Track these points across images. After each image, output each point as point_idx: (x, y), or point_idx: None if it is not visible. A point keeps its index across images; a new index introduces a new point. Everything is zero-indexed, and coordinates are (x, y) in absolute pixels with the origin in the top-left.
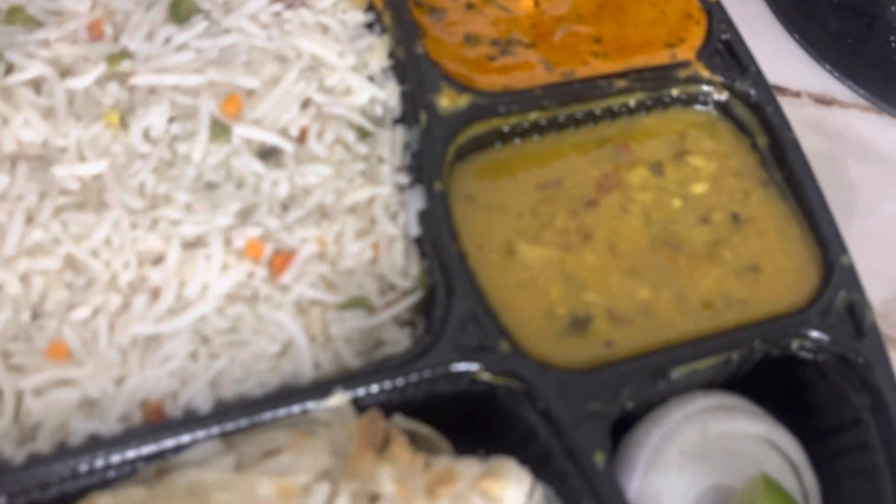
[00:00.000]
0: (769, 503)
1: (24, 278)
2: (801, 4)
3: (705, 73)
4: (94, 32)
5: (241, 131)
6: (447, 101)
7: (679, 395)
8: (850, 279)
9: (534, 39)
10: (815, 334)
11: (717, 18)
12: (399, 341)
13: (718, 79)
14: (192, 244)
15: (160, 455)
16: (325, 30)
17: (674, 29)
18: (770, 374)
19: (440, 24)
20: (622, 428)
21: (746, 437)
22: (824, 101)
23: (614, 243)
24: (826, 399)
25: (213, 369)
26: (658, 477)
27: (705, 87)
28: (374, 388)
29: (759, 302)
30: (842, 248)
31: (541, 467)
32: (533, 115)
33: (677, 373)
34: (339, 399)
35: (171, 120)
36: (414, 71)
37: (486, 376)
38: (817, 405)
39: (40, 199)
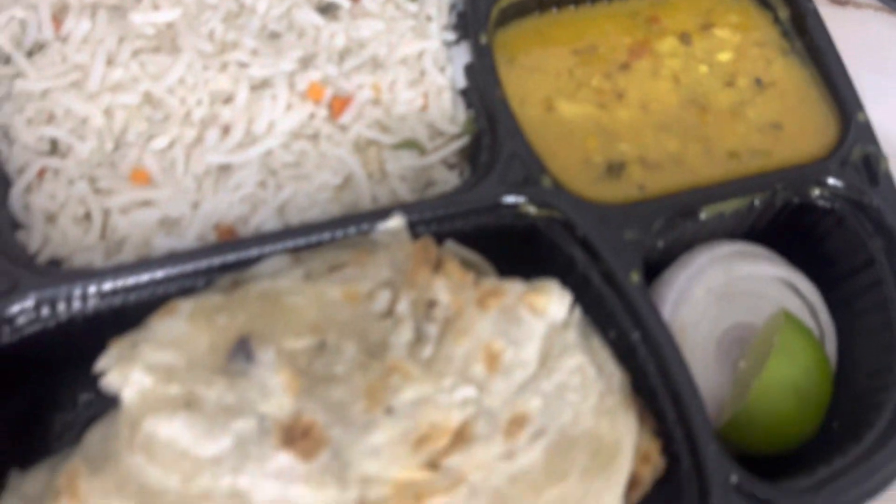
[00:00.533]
0: (789, 336)
1: (108, 112)
2: None
3: None
4: None
5: None
6: None
7: (705, 241)
8: (866, 134)
9: None
10: (832, 181)
11: None
12: (448, 181)
13: None
14: (259, 86)
15: (234, 266)
16: None
17: None
18: (789, 225)
19: None
20: (652, 275)
21: (768, 279)
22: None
23: (646, 102)
24: (841, 245)
25: (280, 197)
26: (685, 312)
27: None
28: (428, 214)
29: (781, 153)
30: (858, 106)
31: (579, 297)
32: None
33: (705, 213)
34: (397, 221)
35: None
36: None
37: (530, 208)
38: (833, 253)
39: (119, 42)
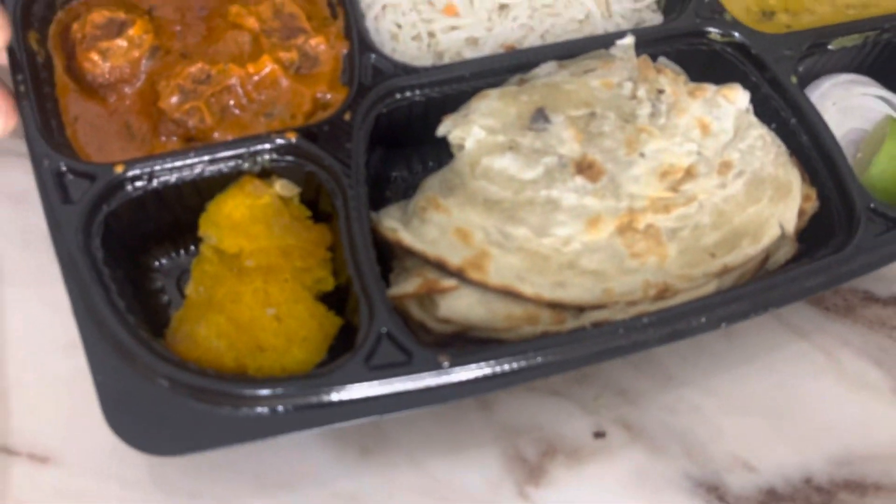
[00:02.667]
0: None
1: None
2: None
3: None
4: None
5: None
6: None
7: (829, 73)
8: None
9: None
10: None
11: None
12: (653, 20)
13: None
14: None
15: (518, 69)
16: None
17: None
18: (890, 61)
19: None
20: None
21: (874, 98)
22: None
23: None
24: None
25: (542, 27)
26: None
27: None
28: (647, 37)
29: (885, 6)
30: None
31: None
32: None
33: (833, 45)
34: (629, 39)
35: None
36: None
37: (717, 36)
38: None
39: None
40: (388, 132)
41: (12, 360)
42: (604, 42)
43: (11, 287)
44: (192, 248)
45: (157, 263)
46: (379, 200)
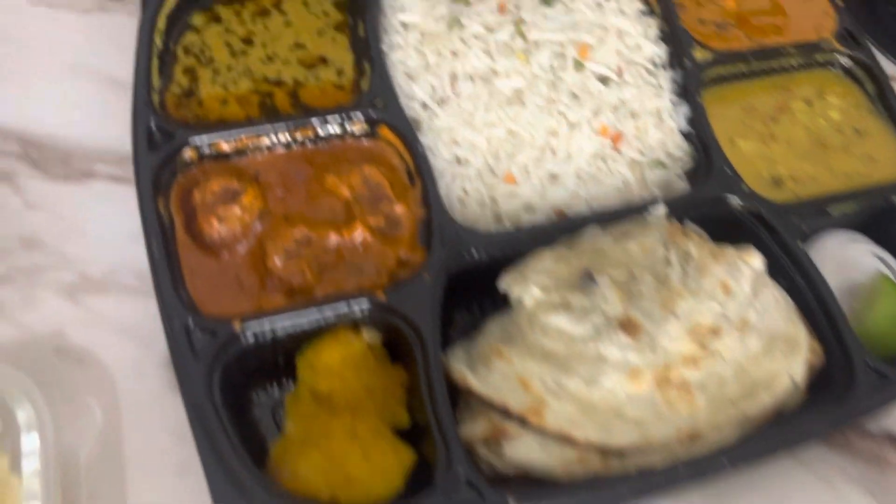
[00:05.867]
0: (888, 286)
1: (488, 140)
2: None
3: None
4: (502, 9)
5: (590, 66)
6: (699, 55)
7: (830, 231)
8: None
9: (737, 22)
10: None
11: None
12: (680, 186)
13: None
14: (573, 125)
15: (568, 231)
16: (622, 12)
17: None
18: (881, 222)
19: (681, 11)
20: None
21: (870, 254)
22: None
23: (790, 141)
24: None
25: (588, 194)
26: None
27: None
28: (676, 205)
29: (877, 175)
30: None
31: None
32: (741, 66)
33: (833, 210)
34: (662, 209)
35: (551, 58)
36: (677, 37)
37: (737, 204)
38: None
39: (490, 97)
40: (457, 284)
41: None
42: (639, 209)
43: (129, 413)
44: (285, 381)
45: (255, 396)
46: (443, 338)
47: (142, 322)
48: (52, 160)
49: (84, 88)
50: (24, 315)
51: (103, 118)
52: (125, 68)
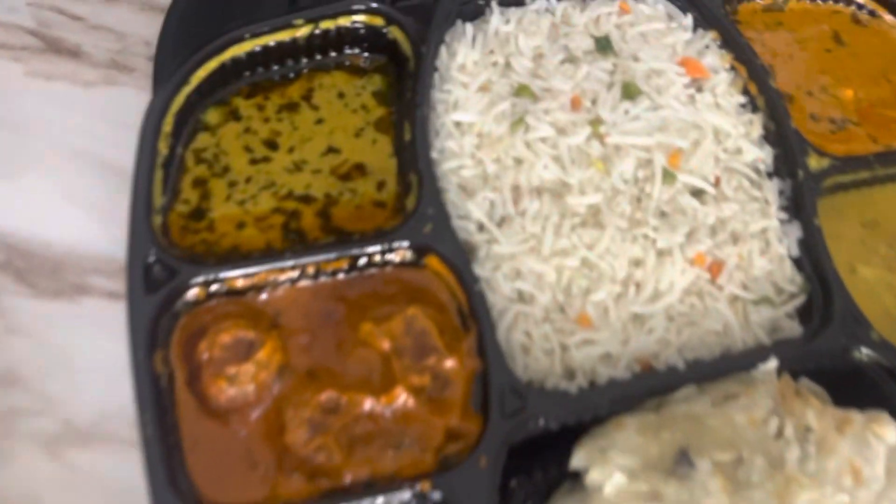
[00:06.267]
0: None
1: (558, 271)
2: None
3: None
4: (575, 105)
5: (682, 178)
6: (814, 163)
7: None
8: None
9: (857, 117)
10: None
11: None
12: (790, 328)
13: None
14: (662, 253)
15: (657, 392)
16: (719, 106)
17: None
18: None
19: (789, 104)
20: None
21: None
22: None
23: None
24: None
25: (679, 340)
26: None
27: None
28: (788, 355)
29: None
30: None
31: None
32: (863, 174)
33: None
34: (772, 363)
35: (636, 167)
36: (786, 140)
37: (865, 356)
38: None
39: (561, 217)
40: (517, 454)
41: None
42: (744, 364)
43: None
44: None
45: None
46: None
47: (134, 485)
48: (41, 271)
49: (84, 180)
50: None
51: (104, 217)
52: (133, 154)
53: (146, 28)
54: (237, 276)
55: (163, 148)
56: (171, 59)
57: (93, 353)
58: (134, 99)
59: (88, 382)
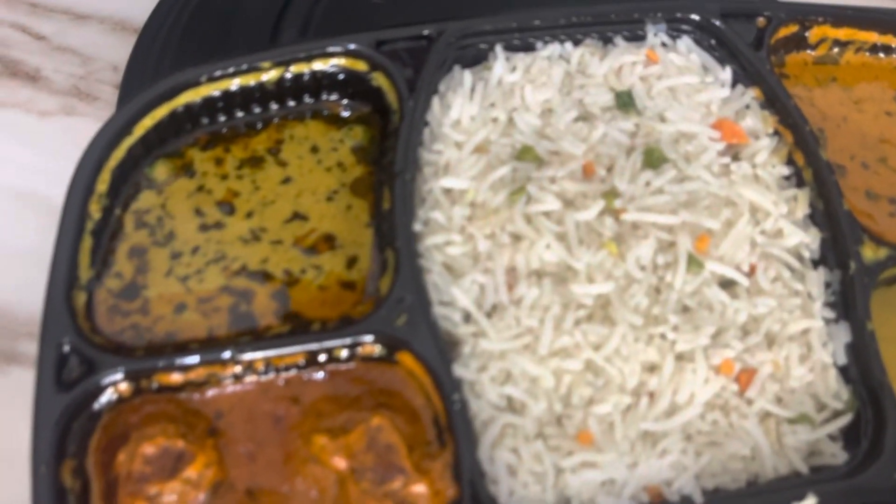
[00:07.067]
0: None
1: (556, 375)
2: None
3: None
4: (587, 172)
5: (711, 266)
6: (870, 253)
7: None
8: None
9: None
10: None
11: None
12: (831, 453)
13: None
14: (681, 358)
15: None
16: (758, 179)
17: None
18: None
19: (840, 177)
20: None
21: None
22: None
23: None
24: None
25: (698, 464)
26: None
27: None
28: (828, 490)
29: None
30: None
31: None
32: None
33: None
34: (811, 501)
35: (656, 252)
36: (836, 223)
37: None
38: None
39: (563, 309)
40: None
41: None
42: (776, 500)
43: None
44: None
45: None
46: None
47: None
48: None
49: (25, 224)
50: None
51: (45, 270)
52: None
53: (115, 51)
54: (170, 370)
55: (94, 211)
56: (139, 88)
57: (16, 438)
58: (93, 132)
59: (5, 473)
